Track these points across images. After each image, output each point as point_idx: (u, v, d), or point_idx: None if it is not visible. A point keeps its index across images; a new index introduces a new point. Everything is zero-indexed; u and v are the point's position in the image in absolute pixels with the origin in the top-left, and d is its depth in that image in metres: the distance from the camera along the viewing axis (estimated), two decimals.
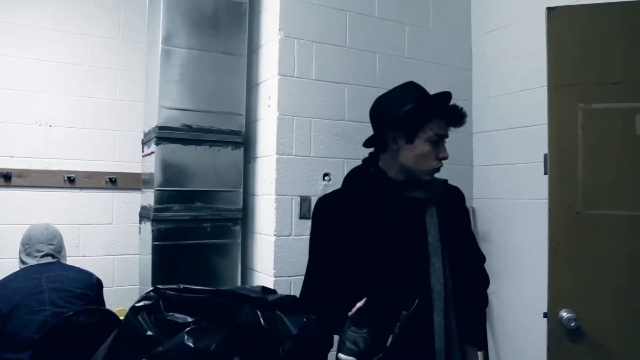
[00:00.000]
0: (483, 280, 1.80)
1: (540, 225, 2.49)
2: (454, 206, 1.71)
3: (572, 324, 1.80)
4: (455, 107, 1.59)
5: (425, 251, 1.56)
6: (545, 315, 1.88)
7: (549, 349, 1.86)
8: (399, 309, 1.34)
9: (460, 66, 3.14)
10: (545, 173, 2.58)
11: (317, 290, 1.57)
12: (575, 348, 1.83)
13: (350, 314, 1.30)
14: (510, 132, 2.88)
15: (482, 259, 1.81)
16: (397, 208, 1.60)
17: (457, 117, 1.58)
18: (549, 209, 1.91)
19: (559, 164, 1.91)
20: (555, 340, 1.85)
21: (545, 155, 2.57)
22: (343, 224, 1.58)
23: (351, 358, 1.21)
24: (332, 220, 1.62)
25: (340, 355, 1.22)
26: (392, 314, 1.32)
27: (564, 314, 1.82)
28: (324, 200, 1.71)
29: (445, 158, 1.59)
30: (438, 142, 1.58)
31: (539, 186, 2.61)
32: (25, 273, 2.39)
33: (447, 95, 1.59)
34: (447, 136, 1.60)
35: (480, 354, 1.86)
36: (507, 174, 2.88)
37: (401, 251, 1.55)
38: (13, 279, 2.36)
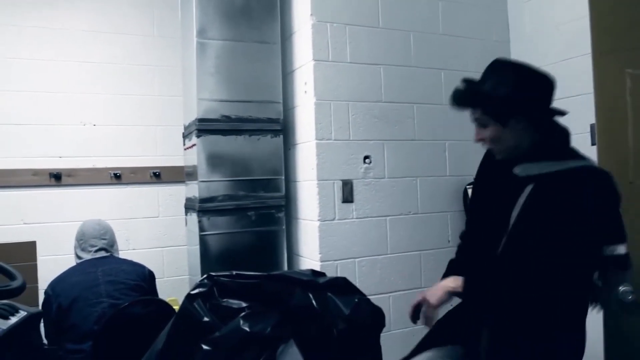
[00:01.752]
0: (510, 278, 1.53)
1: None
2: (550, 195, 1.49)
3: (630, 297, 1.75)
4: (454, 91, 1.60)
5: (505, 227, 1.53)
6: None
7: (605, 323, 1.82)
8: None
9: (497, 39, 3.06)
10: (593, 144, 2.51)
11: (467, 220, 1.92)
12: (632, 321, 1.79)
13: None
14: (554, 103, 2.79)
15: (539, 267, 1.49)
16: (505, 180, 1.59)
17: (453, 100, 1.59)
18: None
19: (607, 133, 1.85)
20: (611, 314, 1.81)
21: (592, 126, 2.51)
22: (481, 176, 1.78)
23: None
24: (479, 170, 1.82)
25: None
26: None
27: (620, 287, 1.77)
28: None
29: (477, 141, 1.61)
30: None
31: None
32: (81, 267, 2.48)
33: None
34: (476, 119, 1.58)
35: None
36: None
37: (486, 223, 1.62)
38: (71, 273, 2.45)
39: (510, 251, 1.53)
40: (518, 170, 1.55)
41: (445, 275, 1.86)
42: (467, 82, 1.58)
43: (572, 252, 1.43)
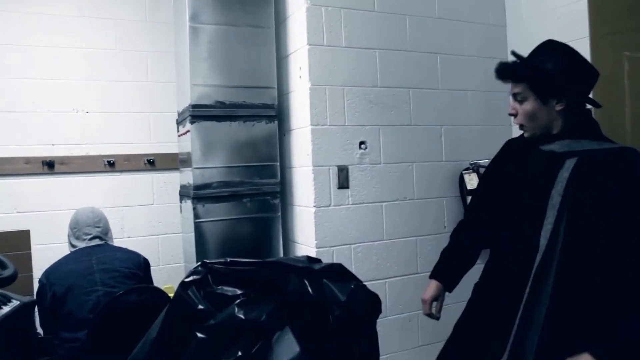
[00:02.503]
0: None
1: None
2: (600, 171, 1.49)
3: None
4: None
5: (546, 203, 1.53)
6: None
7: None
8: None
9: (494, 23, 3.03)
10: None
11: (472, 208, 1.95)
12: None
13: None
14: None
15: None
16: (538, 158, 1.61)
17: (499, 72, 1.61)
18: None
19: (605, 115, 1.83)
20: None
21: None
22: (505, 161, 1.77)
23: None
24: (500, 155, 1.82)
25: None
26: None
27: None
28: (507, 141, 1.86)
29: (511, 114, 1.65)
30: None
31: None
32: (75, 255, 2.46)
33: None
34: (515, 93, 1.61)
35: None
36: None
37: (524, 199, 1.61)
38: (65, 262, 2.44)
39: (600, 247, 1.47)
40: (555, 146, 1.56)
41: (438, 265, 1.89)
42: (517, 55, 1.60)
43: None
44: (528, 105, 1.57)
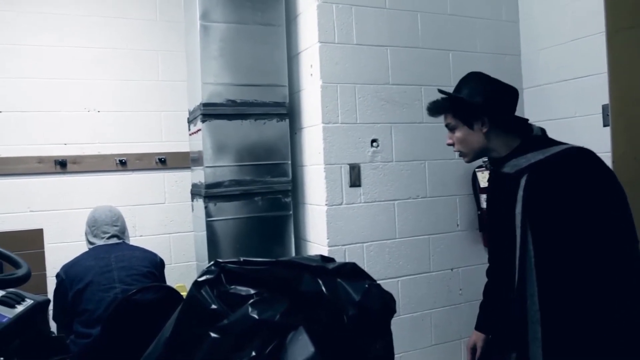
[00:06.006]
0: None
1: None
2: (549, 179, 1.58)
3: None
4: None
5: (513, 223, 1.62)
6: None
7: None
8: None
9: (507, 19, 3.00)
10: (605, 124, 2.47)
11: (489, 244, 2.06)
12: None
13: None
14: (564, 84, 2.75)
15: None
16: (501, 182, 1.73)
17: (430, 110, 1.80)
18: (613, 162, 1.83)
19: (621, 113, 1.81)
20: None
21: (603, 106, 2.46)
22: (491, 190, 1.90)
23: None
24: (489, 185, 1.95)
25: None
26: None
27: None
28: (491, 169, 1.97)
29: (449, 144, 1.80)
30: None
31: (598, 139, 2.49)
32: (95, 252, 2.49)
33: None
34: (447, 124, 1.78)
35: None
36: (563, 129, 2.74)
37: (497, 223, 1.75)
38: (84, 257, 2.46)
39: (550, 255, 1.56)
40: (507, 168, 1.68)
41: (480, 319, 1.95)
42: (442, 92, 1.78)
43: (611, 226, 1.50)
44: (459, 133, 1.73)
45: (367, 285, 1.30)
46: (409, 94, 2.71)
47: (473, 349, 1.91)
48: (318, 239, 2.62)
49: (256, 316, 1.18)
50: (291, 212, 2.76)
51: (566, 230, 1.52)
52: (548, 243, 1.56)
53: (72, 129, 3.18)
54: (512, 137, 1.69)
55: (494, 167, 1.78)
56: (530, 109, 2.95)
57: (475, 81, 1.76)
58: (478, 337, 1.91)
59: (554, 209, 1.55)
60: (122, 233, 2.62)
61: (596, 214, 1.51)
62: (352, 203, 2.57)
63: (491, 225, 1.89)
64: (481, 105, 1.68)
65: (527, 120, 1.76)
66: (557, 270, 1.54)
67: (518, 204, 1.60)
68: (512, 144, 1.69)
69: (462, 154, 1.79)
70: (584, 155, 1.60)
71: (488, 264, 1.94)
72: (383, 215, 2.64)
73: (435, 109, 1.78)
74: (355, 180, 2.56)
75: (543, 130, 1.73)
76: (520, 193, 1.60)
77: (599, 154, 2.45)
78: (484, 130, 1.69)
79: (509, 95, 1.74)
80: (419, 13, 2.75)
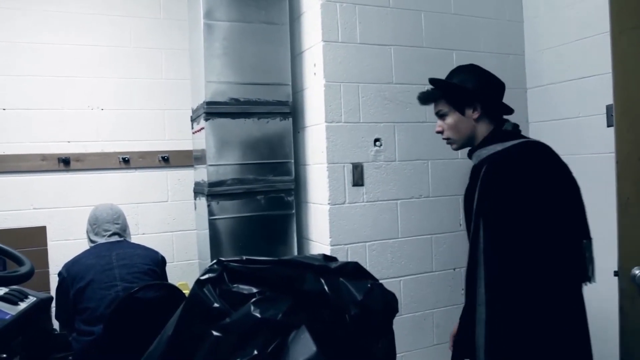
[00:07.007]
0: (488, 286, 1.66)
1: (605, 180, 2.38)
2: (502, 170, 1.69)
3: None
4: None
5: (472, 212, 1.73)
6: (616, 273, 1.80)
7: (621, 308, 1.78)
8: None
9: (510, 19, 2.99)
10: (609, 125, 2.46)
11: None
12: None
13: None
14: (568, 84, 2.74)
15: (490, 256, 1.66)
16: (470, 173, 1.83)
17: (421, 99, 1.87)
18: (617, 162, 1.80)
19: (626, 114, 1.79)
20: (627, 299, 1.76)
21: (607, 107, 2.45)
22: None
23: None
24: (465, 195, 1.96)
25: None
26: None
27: (637, 271, 1.73)
28: None
29: (438, 132, 1.86)
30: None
31: (601, 139, 2.49)
32: (96, 250, 2.49)
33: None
34: (437, 112, 1.85)
35: None
36: (566, 129, 2.75)
37: (465, 213, 1.82)
38: (86, 256, 2.47)
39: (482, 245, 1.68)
40: (474, 159, 1.80)
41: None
42: (433, 80, 1.85)
43: (540, 219, 1.59)
44: (450, 119, 1.79)
45: (369, 285, 1.30)
46: (413, 93, 2.67)
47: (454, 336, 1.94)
48: (320, 238, 2.62)
49: (258, 315, 1.19)
50: (294, 211, 2.76)
51: (514, 219, 1.60)
52: (497, 230, 1.63)
53: (75, 127, 3.19)
54: (493, 127, 1.78)
55: (469, 157, 1.85)
56: (534, 109, 2.95)
57: (466, 70, 1.84)
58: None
59: (504, 199, 1.63)
60: (123, 231, 2.63)
61: (544, 205, 1.59)
62: (355, 202, 2.56)
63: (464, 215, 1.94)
64: (474, 91, 1.75)
65: (513, 111, 1.83)
66: (503, 257, 1.62)
67: (476, 193, 1.72)
68: (488, 135, 1.78)
69: (450, 141, 1.84)
70: (538, 149, 1.70)
71: None
72: (385, 214, 2.63)
73: (428, 96, 1.84)
74: (358, 179, 2.56)
75: (515, 126, 1.79)
76: (478, 183, 1.71)
77: (603, 155, 2.48)
78: (475, 116, 1.76)
79: (498, 85, 1.81)
80: (422, 12, 2.75)
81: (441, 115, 1.83)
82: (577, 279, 1.66)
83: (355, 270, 1.34)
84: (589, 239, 1.70)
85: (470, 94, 1.76)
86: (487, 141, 1.76)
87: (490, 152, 1.73)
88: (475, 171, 1.79)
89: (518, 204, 1.61)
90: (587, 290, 2.61)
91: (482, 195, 1.69)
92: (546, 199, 1.60)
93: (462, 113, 1.77)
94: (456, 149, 1.87)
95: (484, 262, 1.66)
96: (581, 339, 1.68)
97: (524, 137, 1.77)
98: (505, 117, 1.84)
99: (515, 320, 1.60)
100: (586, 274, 1.68)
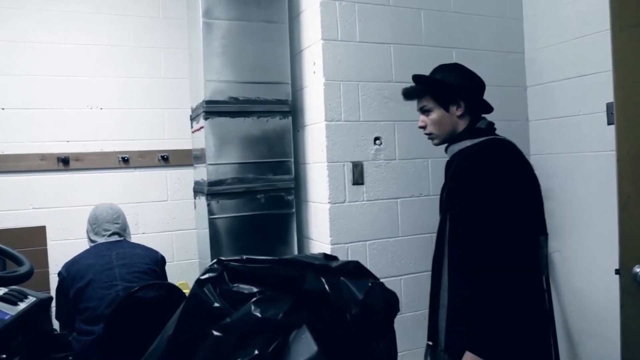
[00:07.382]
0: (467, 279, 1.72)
1: (605, 179, 2.38)
2: (467, 165, 1.76)
3: None
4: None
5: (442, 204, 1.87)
6: (617, 271, 1.79)
7: (622, 306, 1.78)
8: None
9: (511, 16, 2.99)
10: (609, 123, 2.45)
11: None
12: None
13: None
14: (568, 82, 2.73)
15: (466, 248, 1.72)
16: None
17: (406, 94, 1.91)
18: (617, 160, 1.80)
19: (626, 111, 1.78)
20: (629, 297, 1.76)
21: (608, 105, 2.45)
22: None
23: None
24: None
25: None
26: None
27: (638, 270, 1.73)
28: None
29: (420, 127, 1.90)
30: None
31: (602, 137, 2.49)
32: (96, 250, 2.49)
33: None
34: (421, 107, 1.89)
35: None
36: (566, 127, 2.74)
37: (441, 206, 1.92)
38: (85, 255, 2.46)
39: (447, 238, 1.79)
40: (448, 153, 1.87)
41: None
42: (417, 76, 1.89)
43: (497, 215, 1.64)
44: (434, 115, 1.84)
45: (370, 284, 1.29)
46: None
47: None
48: (321, 237, 2.62)
49: (259, 314, 1.18)
50: (294, 210, 2.75)
51: (478, 212, 1.66)
52: (461, 222, 1.72)
53: (74, 126, 3.18)
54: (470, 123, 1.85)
55: (445, 152, 1.91)
56: (534, 107, 2.94)
57: (449, 69, 1.90)
58: None
59: (470, 192, 1.70)
60: (123, 230, 2.62)
61: (507, 199, 1.65)
62: (355, 201, 2.56)
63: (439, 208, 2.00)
64: (459, 88, 1.81)
65: (492, 110, 1.90)
66: (466, 247, 1.70)
67: (445, 186, 1.84)
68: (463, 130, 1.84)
69: (432, 136, 1.88)
70: (504, 146, 1.76)
71: None
72: (386, 213, 2.63)
73: (413, 92, 1.88)
74: (358, 178, 2.55)
75: (490, 124, 1.86)
76: (448, 176, 1.84)
77: (603, 154, 2.47)
78: (458, 113, 1.82)
79: (480, 84, 1.87)
80: (422, 10, 2.74)
81: (425, 111, 1.87)
82: (537, 271, 1.73)
83: (356, 270, 1.33)
84: (546, 235, 1.80)
85: (455, 91, 1.81)
86: (460, 137, 1.83)
87: (461, 147, 1.81)
88: (447, 166, 1.90)
89: (482, 197, 1.66)
90: (589, 288, 2.62)
91: (450, 188, 1.81)
92: (509, 194, 1.66)
93: (446, 109, 1.82)
94: (437, 144, 1.91)
95: (447, 251, 1.77)
96: (540, 327, 1.75)
97: (495, 135, 1.83)
98: (483, 115, 1.90)
99: (473, 307, 1.65)
100: (543, 267, 1.78)
